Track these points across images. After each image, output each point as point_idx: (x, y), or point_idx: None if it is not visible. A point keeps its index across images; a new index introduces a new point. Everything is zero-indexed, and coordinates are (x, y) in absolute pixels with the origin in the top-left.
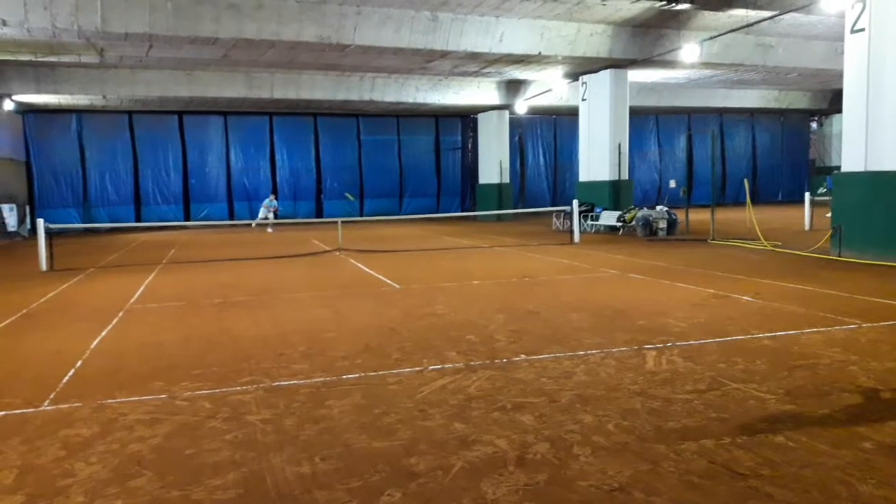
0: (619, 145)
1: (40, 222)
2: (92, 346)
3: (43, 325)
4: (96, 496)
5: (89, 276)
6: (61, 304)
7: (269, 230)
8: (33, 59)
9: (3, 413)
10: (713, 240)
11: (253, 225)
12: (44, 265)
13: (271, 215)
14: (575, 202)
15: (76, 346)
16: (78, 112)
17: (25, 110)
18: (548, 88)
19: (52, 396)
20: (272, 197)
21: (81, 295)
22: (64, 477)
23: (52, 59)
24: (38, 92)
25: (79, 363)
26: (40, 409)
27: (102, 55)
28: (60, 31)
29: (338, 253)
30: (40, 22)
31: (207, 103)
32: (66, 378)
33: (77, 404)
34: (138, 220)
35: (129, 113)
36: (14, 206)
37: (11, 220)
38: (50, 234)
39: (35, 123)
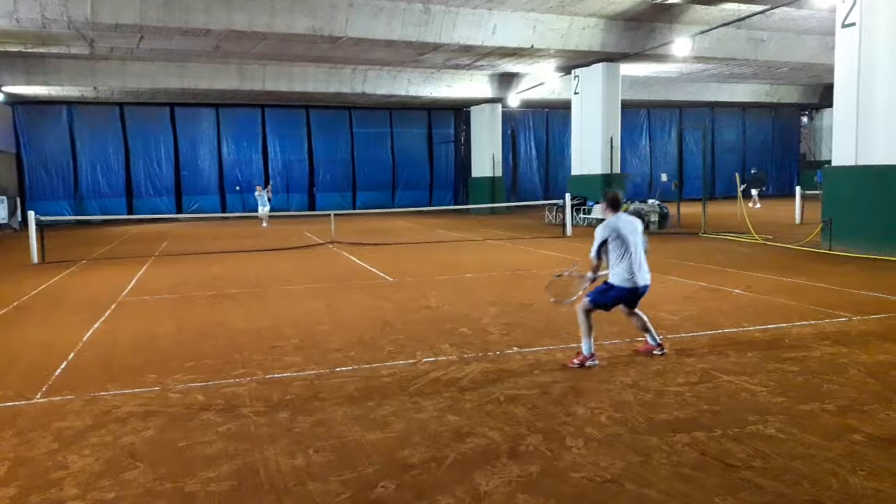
0: (611, 139)
1: (31, 214)
2: (84, 339)
3: (35, 318)
4: (89, 489)
5: (81, 269)
6: (53, 296)
7: (264, 224)
8: (23, 49)
9: None
10: (704, 233)
11: (265, 224)
12: (35, 257)
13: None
14: (567, 195)
15: (68, 339)
16: (68, 104)
17: (15, 102)
18: (540, 82)
19: (44, 389)
20: (267, 187)
21: (73, 287)
22: (57, 469)
23: (42, 49)
24: (28, 83)
25: (71, 355)
26: (33, 401)
27: (93, 46)
28: (50, 22)
29: (331, 246)
30: (29, 12)
31: (199, 95)
32: (59, 370)
33: (70, 397)
34: (130, 212)
35: (121, 104)
36: (4, 198)
37: (2, 213)
38: (41, 226)
39: (25, 115)
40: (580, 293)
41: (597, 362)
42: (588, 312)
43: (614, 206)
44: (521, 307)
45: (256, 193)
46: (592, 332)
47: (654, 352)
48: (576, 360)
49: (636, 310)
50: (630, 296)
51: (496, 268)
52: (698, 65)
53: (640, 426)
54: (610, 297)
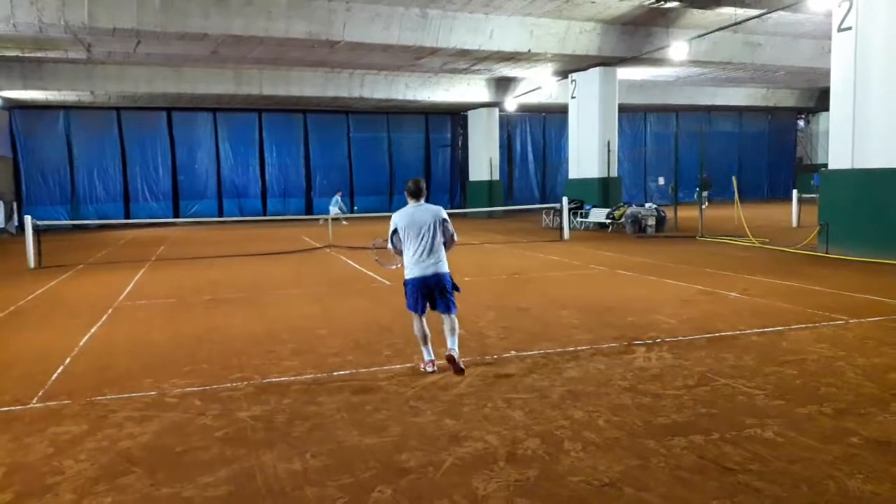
0: (609, 143)
1: (28, 219)
2: (81, 344)
3: (31, 323)
4: (85, 494)
5: (78, 273)
6: (50, 301)
7: (344, 223)
8: (20, 54)
9: None
10: (701, 236)
11: (321, 221)
12: (32, 262)
13: (338, 210)
14: (564, 199)
15: (65, 344)
16: (65, 108)
17: (12, 106)
18: (537, 86)
19: (40, 394)
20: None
21: (70, 292)
22: (53, 474)
23: (39, 54)
24: (25, 88)
25: (68, 360)
26: (29, 406)
27: (90, 51)
28: (47, 27)
29: (328, 250)
30: (27, 17)
31: (196, 100)
32: (55, 375)
33: (66, 401)
34: (127, 217)
35: (117, 109)
36: (1, 203)
37: None
38: (38, 231)
39: (22, 120)
40: (397, 266)
41: (431, 368)
42: (419, 320)
43: (415, 195)
44: (518, 311)
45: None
46: (429, 338)
47: (427, 368)
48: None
49: (449, 314)
50: (423, 287)
51: (494, 272)
52: (695, 69)
53: (637, 430)
54: (409, 295)
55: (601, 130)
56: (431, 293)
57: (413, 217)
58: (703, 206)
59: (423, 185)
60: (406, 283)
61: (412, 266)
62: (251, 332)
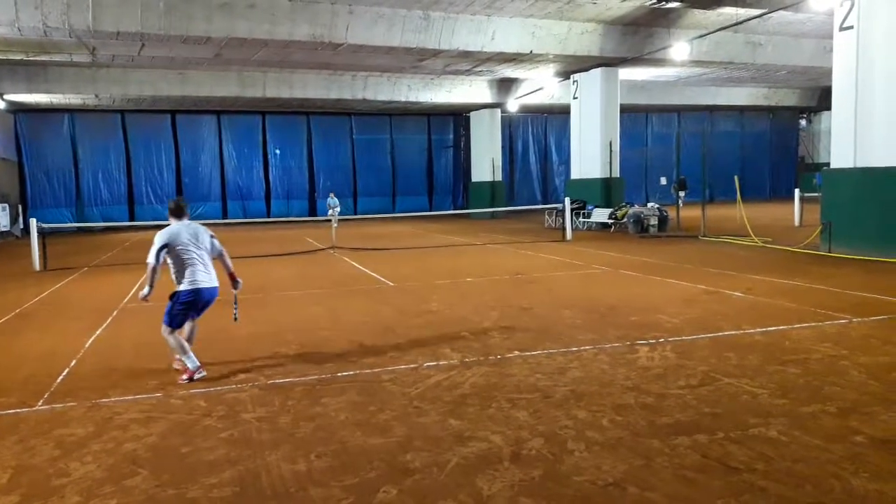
0: (611, 143)
1: (33, 222)
2: (86, 346)
3: (37, 325)
4: (91, 496)
5: (83, 276)
6: (55, 303)
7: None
8: (25, 58)
9: None
10: (704, 236)
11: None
12: (37, 265)
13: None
14: (567, 199)
15: (70, 346)
16: (70, 111)
17: (17, 110)
18: (539, 87)
19: (46, 396)
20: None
21: (75, 294)
22: (59, 476)
23: (44, 58)
24: (30, 91)
25: (73, 362)
26: (35, 408)
27: (94, 54)
28: (52, 30)
29: (331, 251)
30: (31, 21)
31: (200, 102)
32: (61, 377)
33: (72, 403)
34: (132, 219)
35: (122, 112)
36: (6, 205)
37: (4, 220)
38: (43, 233)
39: (27, 123)
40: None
41: (204, 373)
42: (173, 333)
43: (177, 214)
44: (521, 311)
45: (330, 199)
46: (189, 347)
47: (199, 374)
48: (185, 376)
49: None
50: (201, 300)
51: (496, 272)
52: (696, 69)
53: (641, 429)
54: (179, 309)
55: (603, 131)
56: (204, 305)
57: (185, 233)
58: (679, 206)
59: (185, 204)
60: (181, 295)
61: (193, 279)
62: (256, 333)
